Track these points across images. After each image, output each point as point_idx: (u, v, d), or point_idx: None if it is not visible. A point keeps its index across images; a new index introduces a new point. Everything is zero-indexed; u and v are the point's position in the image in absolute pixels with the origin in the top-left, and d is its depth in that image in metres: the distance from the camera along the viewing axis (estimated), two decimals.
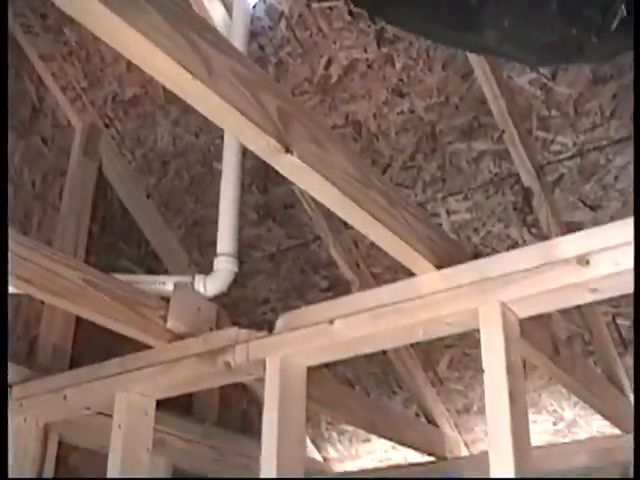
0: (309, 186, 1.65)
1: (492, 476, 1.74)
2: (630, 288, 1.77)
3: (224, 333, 2.24)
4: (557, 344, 2.58)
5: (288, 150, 1.51)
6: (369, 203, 1.73)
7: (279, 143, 1.50)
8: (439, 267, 1.92)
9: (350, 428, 3.70)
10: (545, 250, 1.80)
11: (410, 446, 3.44)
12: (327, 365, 3.54)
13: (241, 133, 1.49)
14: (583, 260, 1.72)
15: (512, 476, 1.70)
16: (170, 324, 2.31)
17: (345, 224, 3.06)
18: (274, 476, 2.00)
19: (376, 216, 1.74)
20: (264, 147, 1.50)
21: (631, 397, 3.10)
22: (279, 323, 2.15)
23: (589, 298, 1.80)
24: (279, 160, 1.54)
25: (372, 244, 2.87)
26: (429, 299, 1.90)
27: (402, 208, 1.84)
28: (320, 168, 1.59)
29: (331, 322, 2.01)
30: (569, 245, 1.77)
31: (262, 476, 2.02)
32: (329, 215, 3.03)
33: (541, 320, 2.80)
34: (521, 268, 1.80)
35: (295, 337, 2.09)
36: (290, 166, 1.56)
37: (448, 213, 2.97)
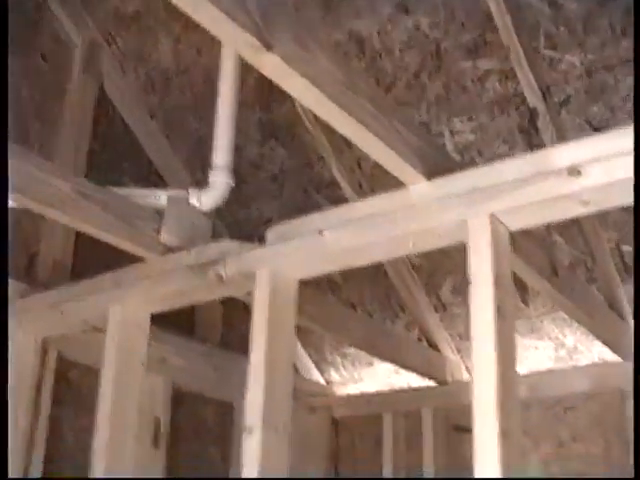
0: (292, 88, 1.61)
1: (475, 395, 1.71)
2: (622, 201, 1.73)
3: (216, 246, 2.23)
4: (556, 267, 2.55)
5: (269, 49, 1.47)
6: (357, 109, 1.69)
7: (259, 41, 1.45)
8: (429, 177, 1.88)
9: (353, 351, 3.71)
10: (536, 161, 1.76)
11: (412, 370, 3.45)
12: (331, 288, 3.55)
13: (220, 30, 1.45)
14: (575, 171, 1.68)
15: (494, 393, 1.68)
16: (163, 237, 2.30)
17: (348, 144, 3.02)
18: (261, 390, 2.00)
19: (364, 123, 1.70)
20: (243, 45, 1.46)
21: (630, 323, 3.08)
22: (270, 235, 2.13)
23: (580, 211, 1.76)
24: (260, 59, 1.50)
25: (375, 164, 2.83)
26: (419, 210, 1.87)
27: (392, 116, 1.80)
28: (304, 70, 1.55)
29: (321, 233, 1.98)
30: (560, 155, 1.73)
31: (249, 389, 2.03)
32: (332, 135, 2.99)
33: (543, 244, 2.78)
34: (511, 179, 1.76)
35: (285, 249, 2.07)
36: (271, 66, 1.52)
37: (452, 134, 2.92)
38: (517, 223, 1.82)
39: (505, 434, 1.65)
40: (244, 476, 1.96)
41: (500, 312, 1.75)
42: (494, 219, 1.77)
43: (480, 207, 1.78)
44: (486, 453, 1.65)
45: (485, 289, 1.72)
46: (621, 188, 1.68)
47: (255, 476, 1.93)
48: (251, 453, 1.96)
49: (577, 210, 1.76)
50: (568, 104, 2.71)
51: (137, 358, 2.45)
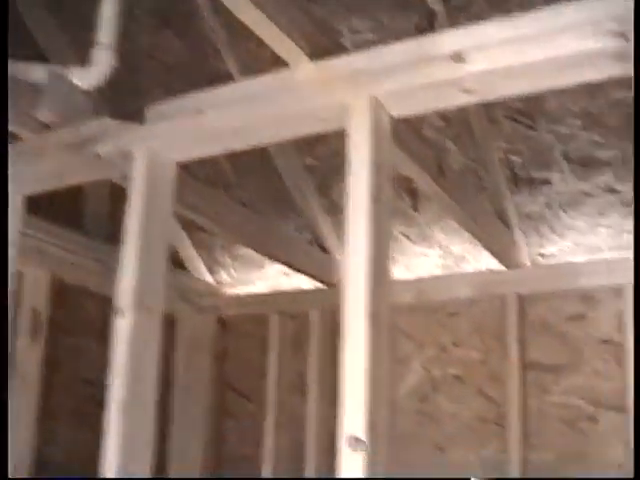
0: None
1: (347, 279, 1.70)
2: (503, 92, 1.72)
3: (94, 124, 2.14)
4: (444, 169, 2.56)
5: None
6: None
7: None
8: (314, 59, 1.82)
9: (244, 253, 3.68)
10: (421, 45, 1.73)
11: (301, 271, 3.45)
12: (224, 186, 3.50)
13: None
14: (458, 57, 1.66)
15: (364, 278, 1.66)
16: (40, 114, 2.18)
17: (246, 37, 2.92)
18: (134, 271, 1.95)
19: None
20: None
21: (516, 233, 3.13)
22: (150, 114, 2.06)
23: (463, 99, 1.75)
24: None
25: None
26: (301, 91, 1.83)
27: None
28: None
29: (200, 112, 1.92)
30: (445, 41, 1.70)
31: (122, 270, 1.97)
32: (230, 27, 2.89)
33: (436, 148, 2.79)
34: (395, 62, 1.72)
35: (164, 128, 2.01)
36: None
37: (351, 31, 2.86)
38: (399, 109, 1.79)
39: (374, 315, 1.65)
40: (115, 357, 1.92)
41: (377, 199, 1.72)
42: (376, 103, 1.73)
43: (362, 90, 1.74)
44: (353, 332, 1.65)
45: (362, 173, 1.69)
46: (503, 77, 1.67)
47: (125, 357, 1.89)
48: (122, 334, 1.92)
49: (460, 98, 1.74)
50: (469, 9, 2.68)
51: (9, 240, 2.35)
